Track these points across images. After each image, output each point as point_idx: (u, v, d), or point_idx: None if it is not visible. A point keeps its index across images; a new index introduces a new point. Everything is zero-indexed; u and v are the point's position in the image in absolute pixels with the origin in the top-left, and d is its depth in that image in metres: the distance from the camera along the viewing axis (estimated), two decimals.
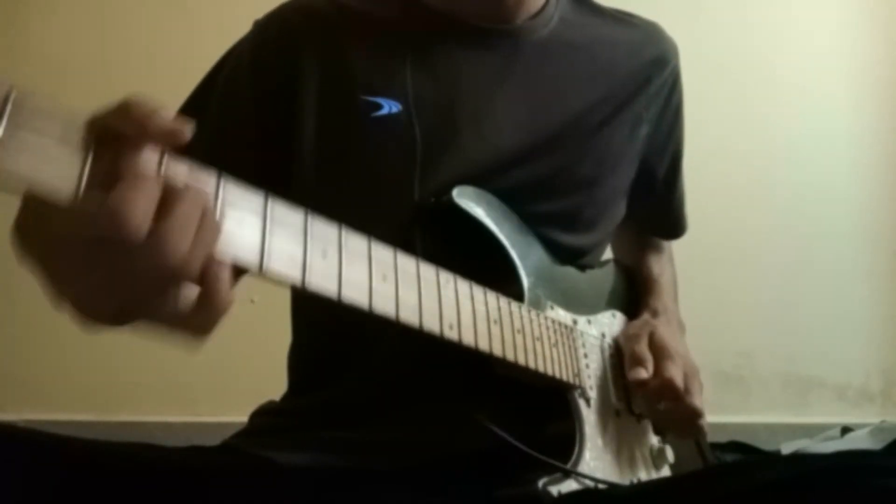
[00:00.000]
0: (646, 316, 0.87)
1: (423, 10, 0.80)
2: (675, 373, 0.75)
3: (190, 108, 0.80)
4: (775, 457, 0.63)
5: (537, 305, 0.73)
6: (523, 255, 0.74)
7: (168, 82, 1.83)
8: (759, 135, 2.14)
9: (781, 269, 2.09)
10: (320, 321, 0.79)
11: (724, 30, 2.15)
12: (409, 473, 0.69)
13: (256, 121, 0.76)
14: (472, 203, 0.72)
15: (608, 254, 0.97)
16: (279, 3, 0.81)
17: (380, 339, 0.71)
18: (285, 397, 0.81)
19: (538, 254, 0.77)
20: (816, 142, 2.18)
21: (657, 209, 0.98)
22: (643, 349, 0.77)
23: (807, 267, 2.11)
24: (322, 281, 0.48)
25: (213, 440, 0.76)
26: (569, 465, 0.69)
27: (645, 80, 0.87)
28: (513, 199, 0.76)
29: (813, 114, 2.19)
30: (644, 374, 0.75)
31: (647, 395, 0.77)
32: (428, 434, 0.70)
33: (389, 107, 0.74)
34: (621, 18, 0.89)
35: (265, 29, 0.80)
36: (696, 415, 0.76)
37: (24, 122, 0.35)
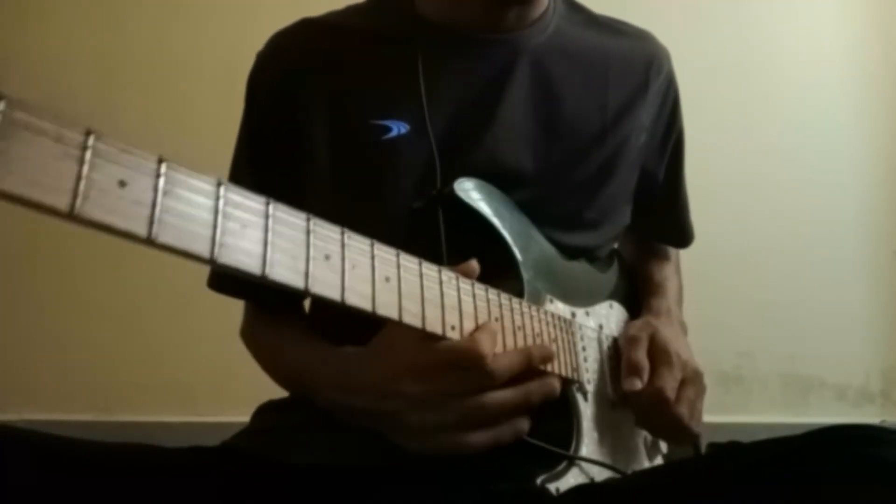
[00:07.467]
0: (648, 317, 0.86)
1: (423, 23, 0.79)
2: (668, 381, 0.75)
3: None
4: (768, 439, 0.63)
5: (536, 300, 0.73)
6: (524, 247, 0.74)
7: (168, 82, 1.85)
8: (759, 135, 2.14)
9: (781, 269, 2.09)
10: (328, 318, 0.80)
11: (723, 30, 2.15)
12: (410, 469, 0.69)
13: (251, 164, 0.80)
14: (474, 195, 0.72)
15: None
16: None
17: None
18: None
19: (539, 246, 0.78)
20: (816, 142, 2.18)
21: (662, 215, 0.98)
22: (640, 356, 0.77)
23: (807, 267, 2.11)
24: (325, 285, 0.47)
25: (213, 440, 0.76)
26: (566, 461, 0.69)
27: (642, 88, 0.87)
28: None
29: (813, 114, 2.19)
30: (638, 384, 0.75)
31: (638, 402, 0.77)
32: None
33: (398, 128, 0.75)
34: (614, 27, 0.90)
35: (266, 63, 0.81)
36: (678, 424, 0.76)
37: (14, 132, 0.33)
